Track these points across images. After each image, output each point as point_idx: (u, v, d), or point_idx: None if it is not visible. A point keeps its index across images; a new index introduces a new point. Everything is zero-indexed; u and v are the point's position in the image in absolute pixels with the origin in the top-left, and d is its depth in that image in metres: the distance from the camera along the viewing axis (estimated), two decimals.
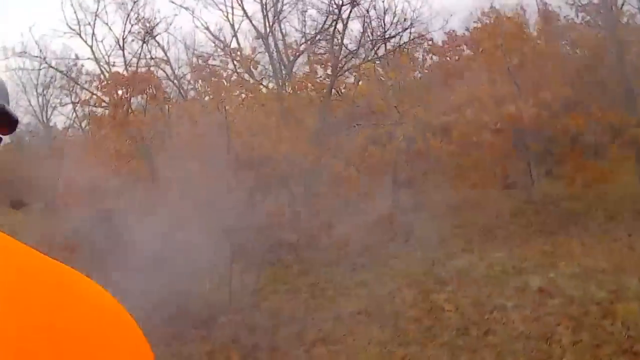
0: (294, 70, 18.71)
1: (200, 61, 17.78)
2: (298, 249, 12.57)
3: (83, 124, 24.72)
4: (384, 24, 17.77)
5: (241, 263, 11.18)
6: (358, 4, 17.20)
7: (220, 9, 19.37)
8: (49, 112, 28.01)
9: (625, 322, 8.95)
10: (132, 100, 16.76)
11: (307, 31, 19.09)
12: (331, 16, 17.86)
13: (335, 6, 17.42)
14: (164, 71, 19.22)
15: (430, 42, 21.24)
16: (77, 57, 20.85)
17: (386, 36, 17.62)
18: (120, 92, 16.07)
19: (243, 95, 16.89)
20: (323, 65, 17.83)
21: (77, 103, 23.06)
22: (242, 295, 10.87)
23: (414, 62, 20.99)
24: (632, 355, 8.15)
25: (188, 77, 20.07)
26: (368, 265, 12.41)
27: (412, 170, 18.29)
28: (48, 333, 0.56)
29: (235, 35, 19.65)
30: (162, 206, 12.69)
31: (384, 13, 17.71)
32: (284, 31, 19.43)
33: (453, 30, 21.77)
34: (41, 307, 0.57)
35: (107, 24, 18.93)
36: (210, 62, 18.63)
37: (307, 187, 15.53)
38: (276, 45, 19.11)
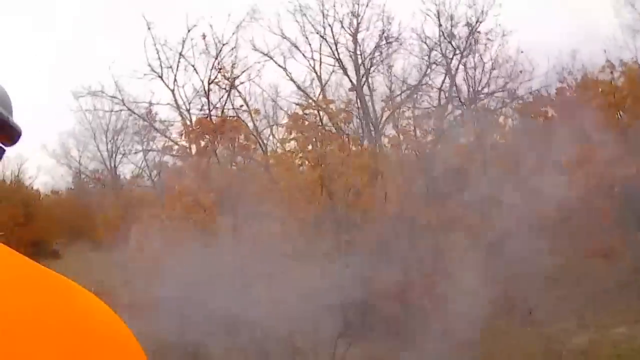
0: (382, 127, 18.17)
1: (289, 112, 17.17)
2: (401, 321, 11.66)
3: (153, 174, 24.50)
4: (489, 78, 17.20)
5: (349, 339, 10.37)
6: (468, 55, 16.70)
7: (307, 60, 19.17)
8: (117, 160, 27.11)
9: None
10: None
11: (395, 87, 18.62)
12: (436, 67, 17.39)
13: (442, 56, 16.98)
14: (244, 122, 18.74)
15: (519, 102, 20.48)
16: (151, 104, 20.08)
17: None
18: (204, 140, 15.72)
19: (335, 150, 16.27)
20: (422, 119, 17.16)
21: (151, 150, 22.92)
22: None
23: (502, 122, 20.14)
24: None
25: (270, 129, 19.55)
26: (477, 341, 11.40)
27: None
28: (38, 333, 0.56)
29: (322, 88, 19.24)
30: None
31: (492, 68, 17.14)
32: (371, 86, 19.05)
33: (537, 90, 20.94)
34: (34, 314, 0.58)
35: (192, 65, 18.31)
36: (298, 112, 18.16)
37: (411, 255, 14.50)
38: (371, 97, 18.58)
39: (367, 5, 18.39)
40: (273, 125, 19.57)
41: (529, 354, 10.65)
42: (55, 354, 0.57)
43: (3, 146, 0.80)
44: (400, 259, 12.22)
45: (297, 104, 17.18)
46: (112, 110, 21.83)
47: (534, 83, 18.40)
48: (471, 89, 17.71)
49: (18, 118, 0.81)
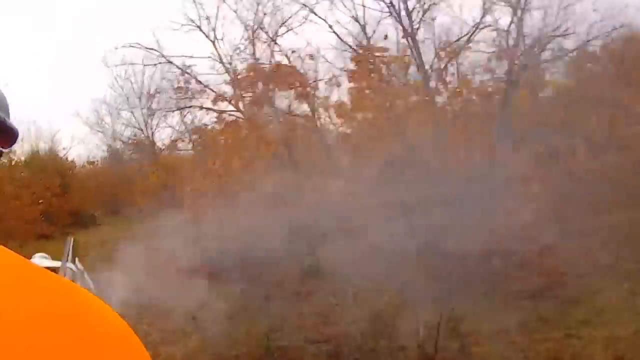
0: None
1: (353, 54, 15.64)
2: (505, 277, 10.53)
3: (193, 137, 23.29)
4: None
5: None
6: None
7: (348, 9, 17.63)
8: (154, 124, 26.41)
9: None
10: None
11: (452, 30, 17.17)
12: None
13: None
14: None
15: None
16: (191, 57, 18.85)
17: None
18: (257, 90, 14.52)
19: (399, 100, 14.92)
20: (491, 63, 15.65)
21: (191, 107, 21.67)
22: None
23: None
24: None
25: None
26: (586, 300, 10.24)
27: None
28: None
29: (368, 37, 17.85)
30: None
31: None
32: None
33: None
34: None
35: (235, 12, 16.99)
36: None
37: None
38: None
39: None
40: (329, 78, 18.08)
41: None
42: (57, 354, 0.55)
43: (1, 149, 0.80)
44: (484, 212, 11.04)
45: (354, 49, 15.75)
46: (148, 64, 20.27)
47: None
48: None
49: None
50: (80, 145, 35.55)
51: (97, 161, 28.47)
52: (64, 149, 26.70)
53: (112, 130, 27.10)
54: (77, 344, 0.58)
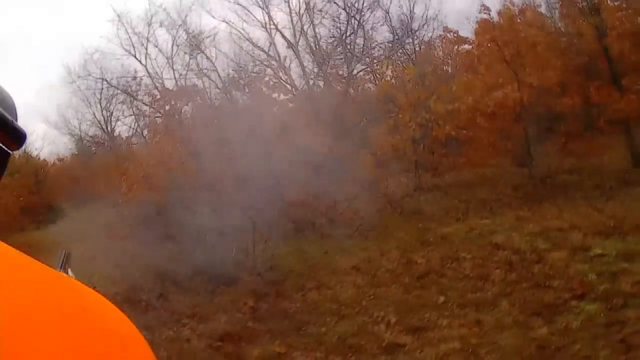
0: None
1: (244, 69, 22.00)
2: (318, 224, 16.51)
3: (145, 132, 29.47)
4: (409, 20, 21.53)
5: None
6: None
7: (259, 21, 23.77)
8: (113, 123, 32.59)
9: (552, 266, 12.08)
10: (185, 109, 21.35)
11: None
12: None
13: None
14: (213, 81, 23.51)
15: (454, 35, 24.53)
16: (134, 77, 25.43)
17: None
18: (169, 105, 20.63)
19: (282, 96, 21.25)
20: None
21: (135, 116, 27.88)
22: (264, 260, 14.87)
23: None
24: (544, 287, 11.25)
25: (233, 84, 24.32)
26: (375, 235, 16.02)
27: (431, 155, 21.71)
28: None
29: (272, 44, 23.85)
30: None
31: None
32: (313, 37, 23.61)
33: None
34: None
35: (156, 47, 23.50)
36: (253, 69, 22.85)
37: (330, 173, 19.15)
38: (310, 48, 23.10)
39: None
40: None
41: (403, 239, 15.19)
42: (61, 352, 0.57)
43: (9, 150, 0.81)
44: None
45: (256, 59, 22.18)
46: (101, 88, 26.86)
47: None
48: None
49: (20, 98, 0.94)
50: (51, 145, 41.84)
51: (67, 158, 34.32)
52: (36, 149, 32.20)
53: (78, 131, 33.24)
54: (81, 342, 0.59)
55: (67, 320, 0.61)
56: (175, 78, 23.15)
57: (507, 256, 12.70)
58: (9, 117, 0.80)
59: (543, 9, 23.20)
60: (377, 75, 24.78)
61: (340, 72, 24.33)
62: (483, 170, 20.62)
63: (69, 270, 1.27)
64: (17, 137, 0.82)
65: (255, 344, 10.71)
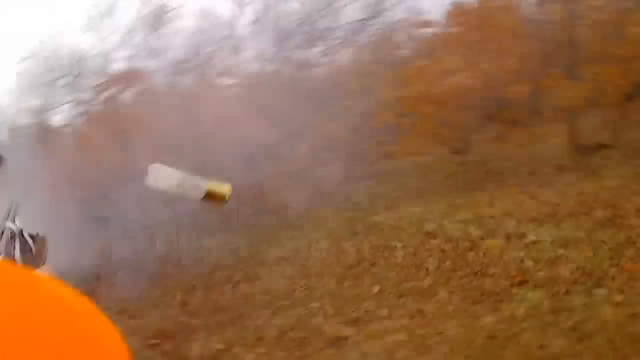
0: None
1: None
2: (243, 215, 16.13)
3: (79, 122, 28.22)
4: None
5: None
6: None
7: None
8: (48, 113, 31.24)
9: (486, 254, 12.03)
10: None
11: None
12: None
13: None
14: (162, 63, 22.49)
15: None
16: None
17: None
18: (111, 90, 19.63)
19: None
20: None
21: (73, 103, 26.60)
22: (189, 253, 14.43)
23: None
24: (481, 275, 11.19)
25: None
26: (303, 225, 15.75)
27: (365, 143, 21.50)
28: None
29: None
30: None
31: None
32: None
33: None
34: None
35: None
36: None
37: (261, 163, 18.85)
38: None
39: None
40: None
41: (333, 228, 15.05)
42: (39, 354, 0.57)
43: None
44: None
45: None
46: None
47: None
48: None
49: None
50: None
51: None
52: None
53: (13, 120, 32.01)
54: (59, 343, 0.60)
55: (41, 319, 0.60)
56: (128, 58, 21.87)
57: (440, 244, 12.61)
58: None
59: None
60: (333, 58, 24.00)
61: (297, 55, 23.46)
62: (418, 158, 20.60)
63: (16, 219, 1.26)
64: None
65: (192, 340, 10.30)
